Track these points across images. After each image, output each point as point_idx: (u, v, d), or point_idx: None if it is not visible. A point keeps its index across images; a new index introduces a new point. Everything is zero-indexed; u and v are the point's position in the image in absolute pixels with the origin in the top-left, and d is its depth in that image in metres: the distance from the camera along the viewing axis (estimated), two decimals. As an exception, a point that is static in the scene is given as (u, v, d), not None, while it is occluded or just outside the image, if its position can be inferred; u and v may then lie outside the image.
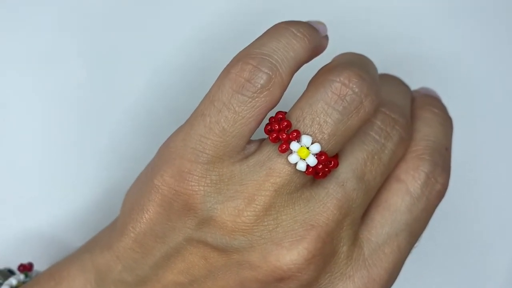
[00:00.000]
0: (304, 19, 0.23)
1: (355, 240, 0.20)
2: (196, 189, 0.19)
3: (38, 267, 0.29)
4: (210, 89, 0.20)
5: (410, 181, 0.21)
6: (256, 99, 0.19)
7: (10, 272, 0.27)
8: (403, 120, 0.21)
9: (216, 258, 0.20)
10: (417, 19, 0.32)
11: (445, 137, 0.22)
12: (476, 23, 0.33)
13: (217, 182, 0.19)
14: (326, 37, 0.21)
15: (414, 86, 0.28)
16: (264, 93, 0.19)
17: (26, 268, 0.27)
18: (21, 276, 0.26)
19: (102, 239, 0.23)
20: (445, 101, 0.28)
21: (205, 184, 0.19)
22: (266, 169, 0.19)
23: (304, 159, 0.18)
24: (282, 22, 0.21)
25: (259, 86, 0.19)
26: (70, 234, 0.32)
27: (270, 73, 0.19)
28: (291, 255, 0.19)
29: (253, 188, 0.19)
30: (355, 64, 0.20)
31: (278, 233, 0.19)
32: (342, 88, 0.19)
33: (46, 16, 0.31)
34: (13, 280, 0.25)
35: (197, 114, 0.20)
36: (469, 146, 0.32)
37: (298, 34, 0.20)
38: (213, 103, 0.19)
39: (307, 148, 0.19)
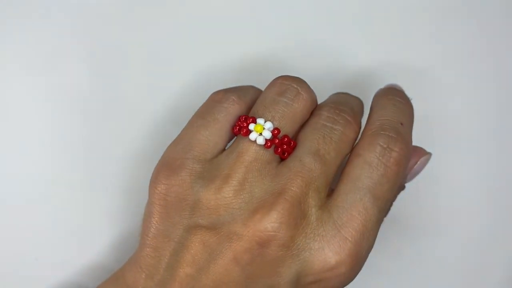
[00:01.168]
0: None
1: (323, 206, 0.23)
2: (185, 179, 0.24)
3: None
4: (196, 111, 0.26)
5: (367, 154, 0.24)
6: (230, 109, 0.25)
7: None
8: (347, 108, 0.25)
9: (211, 239, 0.23)
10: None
11: (399, 114, 0.25)
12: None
13: (201, 171, 0.24)
14: None
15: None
16: (235, 105, 0.25)
17: None
18: None
19: (131, 258, 0.26)
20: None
21: (191, 174, 0.24)
22: (236, 152, 0.23)
23: (261, 134, 0.23)
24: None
25: (230, 100, 0.25)
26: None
27: (233, 97, 0.25)
28: (265, 219, 0.22)
29: (228, 169, 0.23)
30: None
31: (253, 204, 0.23)
32: (282, 84, 0.24)
33: (49, 18, 0.32)
34: None
35: (185, 126, 0.26)
36: (471, 145, 0.33)
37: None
38: (198, 115, 0.25)
39: (262, 126, 0.23)
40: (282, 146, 0.23)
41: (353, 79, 0.33)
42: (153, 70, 0.32)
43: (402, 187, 0.27)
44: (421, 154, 0.26)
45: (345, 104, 0.25)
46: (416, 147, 0.26)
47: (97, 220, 0.33)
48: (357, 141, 0.25)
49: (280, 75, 0.26)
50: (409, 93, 0.28)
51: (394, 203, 0.30)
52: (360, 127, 0.25)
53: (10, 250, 0.32)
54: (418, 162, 0.26)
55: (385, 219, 0.28)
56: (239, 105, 0.25)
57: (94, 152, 0.32)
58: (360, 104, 0.27)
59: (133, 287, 0.25)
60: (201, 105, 0.26)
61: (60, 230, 0.32)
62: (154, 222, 0.24)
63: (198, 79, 0.33)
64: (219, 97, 0.25)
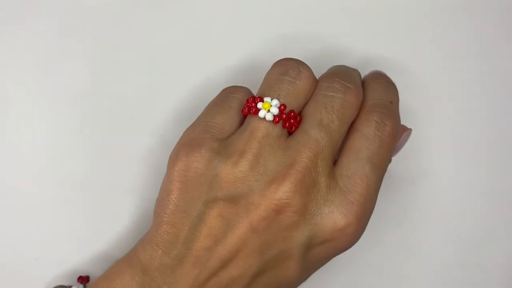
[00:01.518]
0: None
1: (330, 175, 0.25)
2: (204, 156, 0.25)
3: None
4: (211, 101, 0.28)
5: (364, 128, 0.26)
6: (242, 98, 0.27)
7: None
8: (347, 77, 0.27)
9: (228, 211, 0.25)
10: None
11: (388, 95, 0.28)
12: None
13: (218, 149, 0.25)
14: None
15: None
16: (246, 96, 0.27)
17: (84, 280, 0.30)
18: (80, 286, 0.29)
19: (143, 239, 0.27)
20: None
21: (210, 151, 0.25)
22: (249, 130, 0.25)
23: (269, 111, 0.25)
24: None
25: (242, 92, 0.28)
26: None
27: (245, 89, 0.28)
28: (280, 189, 0.24)
29: (243, 145, 0.25)
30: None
31: (268, 176, 0.25)
32: (284, 64, 0.26)
33: (49, 18, 0.32)
34: None
35: (202, 112, 0.28)
36: (469, 145, 0.33)
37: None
38: (214, 103, 0.27)
39: (269, 103, 0.25)
40: (289, 121, 0.25)
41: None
42: (153, 70, 0.33)
43: (389, 160, 0.29)
44: (404, 130, 0.29)
45: (343, 72, 0.28)
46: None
47: (97, 220, 0.33)
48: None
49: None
50: (408, 93, 0.31)
51: (393, 204, 0.33)
52: (361, 92, 0.27)
53: (10, 250, 0.32)
54: (401, 137, 0.29)
55: (385, 220, 0.32)
56: (249, 95, 0.27)
57: (95, 152, 0.33)
58: (358, 72, 0.29)
59: (149, 265, 0.26)
60: (211, 99, 0.28)
61: (61, 230, 0.32)
62: (173, 198, 0.26)
63: (198, 79, 0.33)
64: (232, 89, 0.28)
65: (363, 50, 0.33)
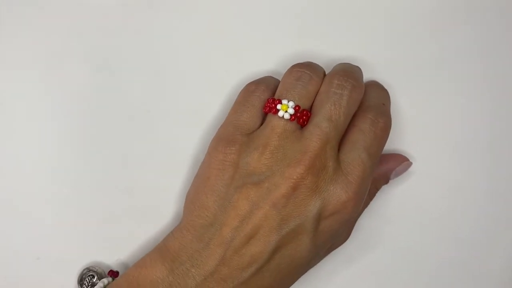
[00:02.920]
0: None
1: (336, 160, 0.31)
2: (238, 149, 0.31)
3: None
4: (236, 99, 0.33)
5: (361, 124, 0.32)
6: (261, 96, 0.32)
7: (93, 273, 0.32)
8: (352, 74, 0.31)
9: (254, 193, 0.30)
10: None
11: (381, 98, 0.33)
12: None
13: (247, 143, 0.31)
14: None
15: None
16: (264, 93, 0.33)
17: (114, 274, 0.32)
18: (109, 279, 0.31)
19: (173, 230, 0.31)
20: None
21: (242, 145, 0.31)
22: (270, 126, 0.31)
23: (286, 111, 0.31)
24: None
25: (261, 90, 0.33)
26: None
27: (263, 87, 0.33)
28: (296, 169, 0.30)
29: (265, 139, 0.31)
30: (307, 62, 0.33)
31: (286, 161, 0.30)
32: (298, 71, 0.32)
33: (49, 18, 0.32)
34: (105, 280, 0.31)
35: (230, 111, 0.33)
36: (467, 145, 0.34)
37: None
38: (239, 102, 0.32)
39: (287, 105, 0.31)
40: (302, 117, 0.31)
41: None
42: (153, 70, 0.33)
43: (386, 181, 0.35)
44: (404, 160, 0.35)
45: (350, 71, 0.32)
46: (400, 155, 0.35)
47: (98, 220, 0.33)
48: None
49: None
50: (408, 93, 0.33)
51: (392, 205, 0.35)
52: (363, 89, 0.32)
53: (11, 250, 0.32)
54: (402, 166, 0.35)
55: (384, 220, 0.34)
56: (267, 92, 0.33)
57: (95, 152, 0.33)
58: (361, 70, 0.33)
59: (178, 251, 0.29)
60: (238, 94, 0.33)
61: (62, 230, 0.32)
62: (210, 184, 0.31)
63: (199, 79, 0.34)
64: (252, 87, 0.33)
65: (363, 50, 0.35)
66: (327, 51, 0.35)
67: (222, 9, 0.33)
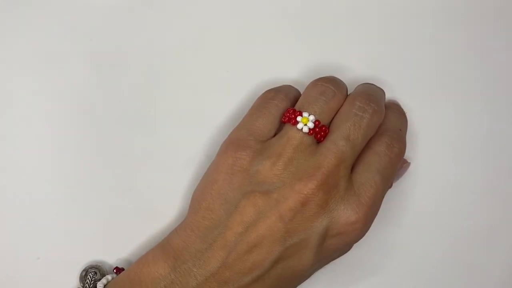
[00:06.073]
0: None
1: (348, 180, 0.31)
2: (249, 154, 0.31)
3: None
4: (253, 104, 0.33)
5: (377, 147, 0.32)
6: (279, 105, 0.32)
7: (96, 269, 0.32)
8: (375, 98, 0.32)
9: (262, 202, 0.30)
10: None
11: (397, 123, 0.33)
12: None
13: (260, 150, 0.31)
14: None
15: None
16: (283, 102, 0.33)
17: (119, 271, 0.32)
18: (115, 275, 0.31)
19: (177, 227, 0.31)
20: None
21: (254, 151, 0.31)
22: (286, 137, 0.31)
23: (306, 124, 0.31)
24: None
25: (280, 98, 0.33)
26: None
27: (282, 95, 0.33)
28: (307, 185, 0.30)
29: (280, 149, 0.31)
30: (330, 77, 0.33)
31: (298, 174, 0.30)
32: (322, 86, 0.32)
33: (50, 18, 0.32)
34: (109, 277, 0.31)
35: (246, 116, 0.33)
36: (466, 145, 0.34)
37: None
38: (256, 107, 0.33)
39: (307, 118, 0.31)
40: (321, 133, 0.31)
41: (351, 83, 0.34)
42: (154, 70, 0.33)
43: (390, 185, 0.35)
44: (404, 162, 0.35)
45: (373, 94, 0.32)
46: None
47: (98, 220, 0.33)
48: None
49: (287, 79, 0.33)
50: (407, 95, 0.34)
51: (392, 205, 0.35)
52: (384, 113, 0.32)
53: (11, 250, 0.32)
54: (402, 168, 0.35)
55: (384, 220, 0.34)
56: (286, 101, 0.32)
57: (96, 152, 0.33)
58: (383, 93, 0.34)
59: (181, 249, 0.30)
60: (255, 100, 0.33)
61: (62, 230, 0.32)
62: (217, 187, 0.30)
63: (199, 79, 0.33)
64: (271, 95, 0.33)
65: (363, 51, 0.35)
66: (332, 54, 0.35)
67: (222, 9, 0.33)
